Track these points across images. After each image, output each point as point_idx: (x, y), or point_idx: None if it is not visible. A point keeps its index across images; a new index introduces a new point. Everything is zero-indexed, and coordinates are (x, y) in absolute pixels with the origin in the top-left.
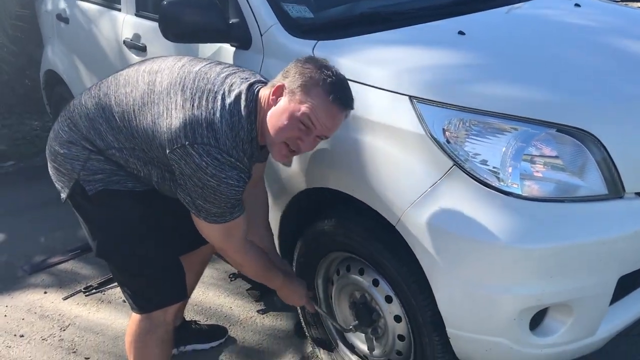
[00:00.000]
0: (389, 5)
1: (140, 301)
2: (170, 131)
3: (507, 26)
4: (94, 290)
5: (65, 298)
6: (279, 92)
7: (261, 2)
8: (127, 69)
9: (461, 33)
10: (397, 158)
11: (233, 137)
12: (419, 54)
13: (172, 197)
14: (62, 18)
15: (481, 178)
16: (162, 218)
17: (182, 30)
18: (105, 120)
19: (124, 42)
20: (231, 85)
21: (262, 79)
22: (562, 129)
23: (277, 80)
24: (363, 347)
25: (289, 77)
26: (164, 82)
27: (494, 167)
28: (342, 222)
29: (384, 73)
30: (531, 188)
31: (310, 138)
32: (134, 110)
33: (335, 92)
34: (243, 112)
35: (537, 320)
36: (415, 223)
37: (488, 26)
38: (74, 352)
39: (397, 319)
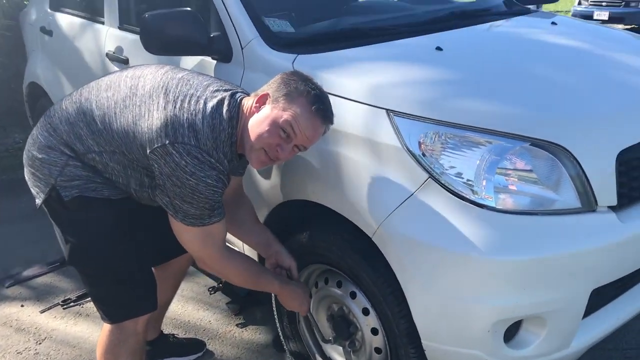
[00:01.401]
0: (368, 22)
1: (110, 311)
2: (151, 131)
3: (484, 43)
4: (72, 304)
5: (43, 311)
6: (262, 100)
7: (242, 15)
8: (109, 75)
9: (439, 49)
10: (373, 170)
11: (214, 139)
12: (397, 68)
13: (149, 205)
14: (45, 31)
15: (456, 191)
16: (136, 228)
17: (164, 43)
18: (85, 124)
19: (107, 54)
20: (214, 92)
21: (244, 91)
22: (536, 142)
23: (261, 90)
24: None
25: (274, 87)
26: (146, 86)
27: (468, 180)
28: (320, 234)
29: (362, 87)
30: (505, 201)
31: (289, 146)
32: (115, 113)
33: (318, 103)
34: (225, 116)
35: (511, 332)
36: (391, 235)
37: (465, 43)
38: None
39: (374, 331)
